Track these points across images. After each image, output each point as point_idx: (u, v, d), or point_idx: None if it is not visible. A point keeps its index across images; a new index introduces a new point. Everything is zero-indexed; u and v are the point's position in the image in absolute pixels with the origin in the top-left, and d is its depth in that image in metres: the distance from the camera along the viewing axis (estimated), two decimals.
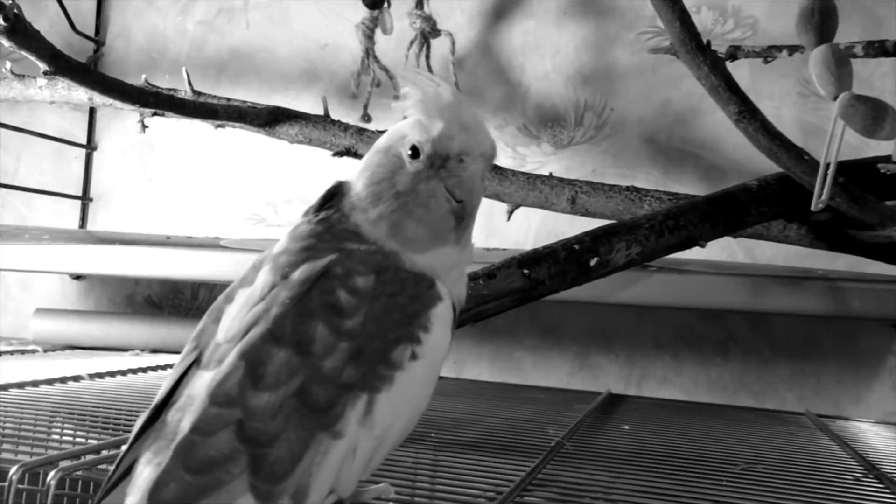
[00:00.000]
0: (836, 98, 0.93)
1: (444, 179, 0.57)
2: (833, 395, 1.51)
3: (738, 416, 1.26)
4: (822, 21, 0.90)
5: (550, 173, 1.35)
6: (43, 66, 1.07)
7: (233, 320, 0.54)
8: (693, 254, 1.11)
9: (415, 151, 0.57)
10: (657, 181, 1.60)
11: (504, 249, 1.42)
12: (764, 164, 1.56)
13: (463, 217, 0.58)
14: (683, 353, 1.58)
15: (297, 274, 0.54)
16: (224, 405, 0.49)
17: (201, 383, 0.52)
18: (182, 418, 0.51)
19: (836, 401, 1.50)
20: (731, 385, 1.56)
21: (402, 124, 0.59)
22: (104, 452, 0.75)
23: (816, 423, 1.20)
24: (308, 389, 0.50)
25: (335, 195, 0.60)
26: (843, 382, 1.51)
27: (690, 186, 1.57)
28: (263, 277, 0.56)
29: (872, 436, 1.16)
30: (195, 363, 0.54)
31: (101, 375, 1.17)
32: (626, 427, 1.05)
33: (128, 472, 0.52)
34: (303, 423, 0.49)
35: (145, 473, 0.50)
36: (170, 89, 1.45)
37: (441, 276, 0.57)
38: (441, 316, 0.55)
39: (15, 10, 0.96)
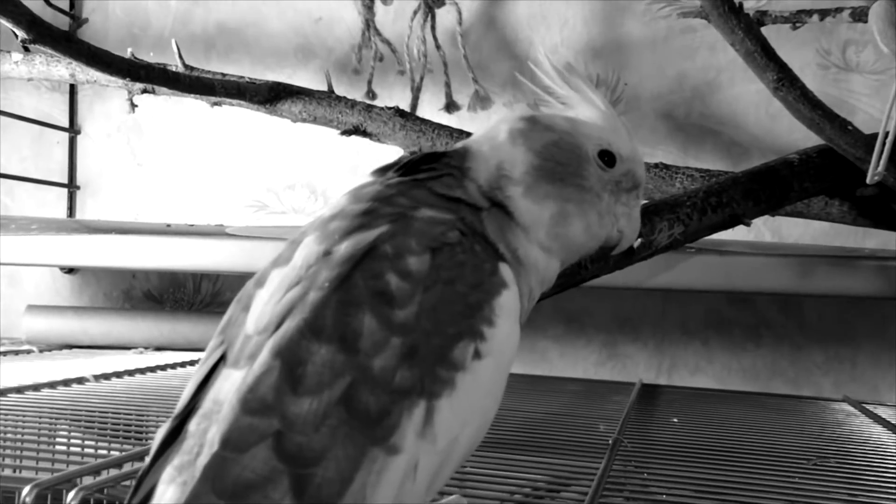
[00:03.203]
0: None
1: (619, 204, 0.56)
2: (870, 380, 1.48)
3: (782, 404, 1.23)
4: None
5: None
6: (21, 35, 0.97)
7: (265, 306, 0.46)
8: (725, 234, 1.05)
9: (610, 159, 0.55)
10: (677, 158, 1.54)
11: None
12: (786, 140, 1.53)
13: (611, 248, 0.57)
14: (713, 340, 1.54)
15: (343, 248, 0.47)
16: (258, 413, 0.42)
17: (230, 385, 0.44)
18: (209, 428, 0.43)
19: (874, 385, 1.47)
20: (765, 372, 1.52)
21: (584, 121, 0.56)
22: (127, 466, 0.68)
23: (863, 411, 1.16)
24: (356, 395, 0.42)
25: (434, 161, 0.54)
26: (879, 366, 1.48)
27: (711, 164, 1.51)
28: (305, 251, 0.48)
29: None
30: (222, 360, 0.47)
31: (106, 376, 1.09)
32: (676, 420, 1.00)
33: (150, 495, 0.44)
34: (352, 436, 0.42)
35: (169, 493, 0.43)
36: (160, 64, 1.35)
37: (527, 270, 0.52)
38: (507, 306, 0.48)
39: None
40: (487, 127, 0.56)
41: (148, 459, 0.46)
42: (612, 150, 0.55)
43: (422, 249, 0.47)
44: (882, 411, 1.16)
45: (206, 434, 0.43)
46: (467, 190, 0.52)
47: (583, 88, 0.57)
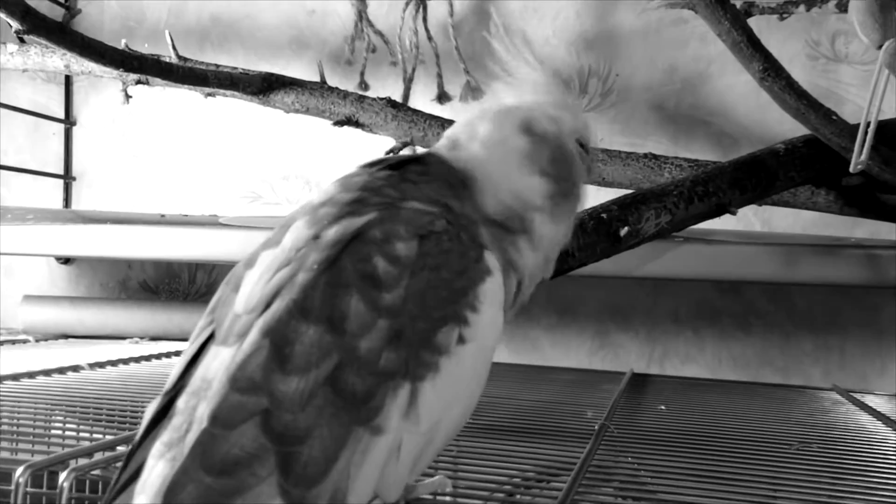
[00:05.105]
0: (880, 46, 0.89)
1: None
2: (858, 369, 1.49)
3: (770, 393, 1.24)
4: None
5: None
6: (15, 25, 0.97)
7: (254, 286, 0.47)
8: (714, 223, 1.07)
9: (584, 146, 0.58)
10: (667, 149, 1.55)
11: None
12: (776, 131, 1.54)
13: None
14: (704, 329, 1.55)
15: (332, 232, 0.48)
16: (247, 391, 0.43)
17: (219, 363, 0.45)
18: (197, 405, 0.44)
19: (862, 374, 1.49)
20: (755, 361, 1.53)
21: (559, 115, 0.57)
22: (119, 449, 0.69)
23: (850, 399, 1.17)
24: (342, 375, 0.43)
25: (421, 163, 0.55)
26: (867, 355, 1.49)
27: (702, 154, 1.52)
28: (294, 234, 0.49)
29: None
30: (210, 339, 0.48)
31: (101, 365, 1.11)
32: (663, 408, 1.02)
33: (139, 470, 0.45)
34: (337, 415, 0.43)
35: (157, 469, 0.44)
36: (153, 55, 1.36)
37: (517, 265, 0.54)
38: (491, 293, 0.49)
39: None
40: (482, 134, 0.56)
41: (137, 436, 0.47)
42: (583, 141, 0.59)
43: (410, 236, 0.48)
44: (869, 399, 1.17)
45: (195, 411, 0.44)
46: (464, 208, 0.53)
47: (524, 59, 0.60)
